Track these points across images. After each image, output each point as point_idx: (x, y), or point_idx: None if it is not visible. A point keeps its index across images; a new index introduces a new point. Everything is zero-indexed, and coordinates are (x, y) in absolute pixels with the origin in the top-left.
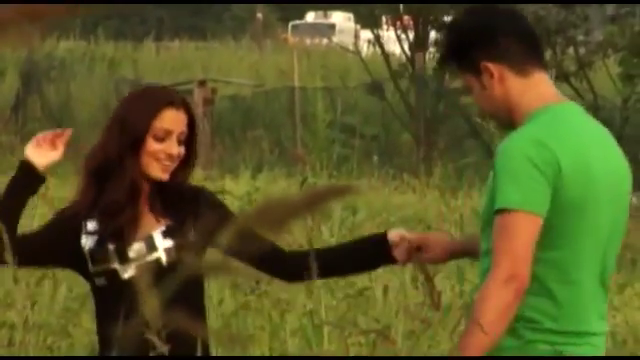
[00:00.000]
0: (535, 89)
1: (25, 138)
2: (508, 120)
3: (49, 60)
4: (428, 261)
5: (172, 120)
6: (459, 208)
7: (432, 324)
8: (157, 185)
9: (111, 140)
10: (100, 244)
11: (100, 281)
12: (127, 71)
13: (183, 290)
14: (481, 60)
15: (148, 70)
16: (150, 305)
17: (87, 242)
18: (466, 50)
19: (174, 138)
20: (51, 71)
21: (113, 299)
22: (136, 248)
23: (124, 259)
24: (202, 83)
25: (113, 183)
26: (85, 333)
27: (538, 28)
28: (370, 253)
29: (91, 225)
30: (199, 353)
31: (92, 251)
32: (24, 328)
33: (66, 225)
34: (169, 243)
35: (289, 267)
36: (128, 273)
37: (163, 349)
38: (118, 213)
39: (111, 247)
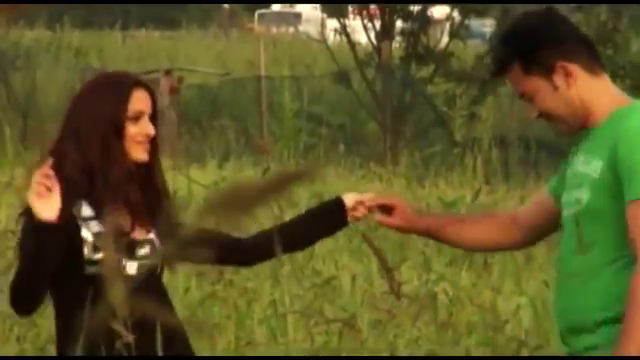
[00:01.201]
0: (609, 88)
1: None
2: (581, 121)
3: (15, 49)
4: (389, 224)
5: (142, 100)
6: (426, 197)
7: (396, 314)
8: (144, 174)
9: (86, 131)
10: (106, 234)
11: (95, 269)
12: (93, 60)
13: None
14: (556, 60)
15: (114, 59)
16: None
17: (87, 228)
18: (538, 51)
19: (146, 118)
20: (17, 60)
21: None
22: (145, 248)
23: (132, 255)
24: (168, 72)
25: (103, 174)
26: (52, 322)
27: (505, 18)
28: (328, 219)
29: (86, 211)
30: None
31: (96, 238)
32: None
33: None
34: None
35: (247, 253)
36: (130, 270)
37: (129, 338)
38: (116, 204)
39: (121, 240)
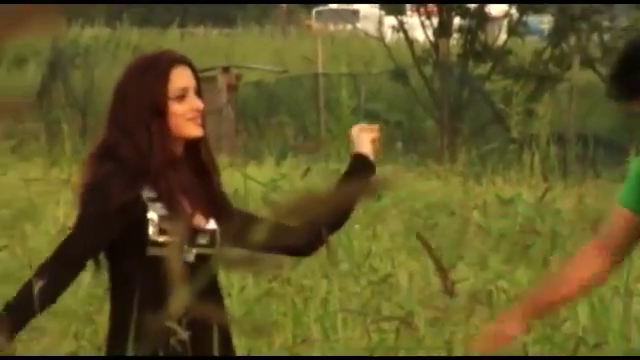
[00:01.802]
0: None
1: (50, 125)
2: None
3: (74, 47)
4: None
5: (183, 76)
6: (482, 194)
7: (453, 311)
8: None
9: (131, 119)
10: (170, 217)
11: (158, 251)
12: None
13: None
14: None
15: None
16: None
17: (154, 209)
18: None
19: (192, 93)
20: (76, 58)
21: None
22: (205, 237)
23: (192, 242)
24: (226, 69)
25: (153, 161)
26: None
27: (562, 15)
28: (353, 174)
29: (150, 193)
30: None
31: (162, 220)
32: (48, 314)
33: (121, 198)
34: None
35: (304, 240)
36: (189, 256)
37: (183, 336)
38: (173, 188)
39: (185, 225)
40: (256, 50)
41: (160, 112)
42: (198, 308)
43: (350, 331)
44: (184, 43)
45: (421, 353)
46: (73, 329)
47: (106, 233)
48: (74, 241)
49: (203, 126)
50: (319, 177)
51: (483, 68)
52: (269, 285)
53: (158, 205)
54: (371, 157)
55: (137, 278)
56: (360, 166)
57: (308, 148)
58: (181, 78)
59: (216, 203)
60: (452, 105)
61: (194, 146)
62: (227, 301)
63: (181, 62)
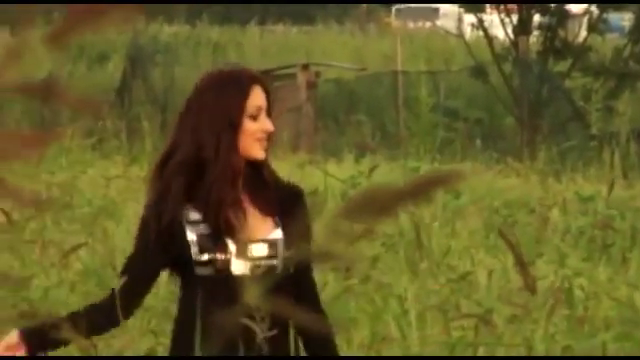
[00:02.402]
0: None
1: (130, 122)
2: None
3: (153, 44)
4: None
5: (259, 96)
6: (562, 192)
7: (532, 309)
8: (253, 170)
9: (203, 127)
10: (213, 234)
11: (204, 270)
12: (231, 55)
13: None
14: None
15: (252, 54)
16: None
17: (194, 230)
18: None
19: (264, 114)
20: (155, 55)
21: (218, 289)
22: (259, 248)
23: (242, 254)
24: (305, 67)
25: (213, 170)
26: None
27: None
28: None
29: (194, 215)
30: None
31: (202, 239)
32: None
33: (162, 219)
34: (288, 254)
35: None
36: (240, 269)
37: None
38: (225, 201)
39: (228, 239)
40: (335, 48)
41: (234, 126)
42: (273, 307)
43: (429, 329)
44: (263, 41)
45: (500, 351)
46: (152, 325)
47: (154, 258)
48: (131, 264)
49: (267, 150)
50: (398, 175)
51: (563, 65)
52: (348, 282)
53: (199, 226)
54: None
55: (191, 296)
56: None
57: (367, 146)
58: (258, 97)
59: (276, 216)
60: (532, 102)
61: (256, 166)
62: None
63: (259, 82)
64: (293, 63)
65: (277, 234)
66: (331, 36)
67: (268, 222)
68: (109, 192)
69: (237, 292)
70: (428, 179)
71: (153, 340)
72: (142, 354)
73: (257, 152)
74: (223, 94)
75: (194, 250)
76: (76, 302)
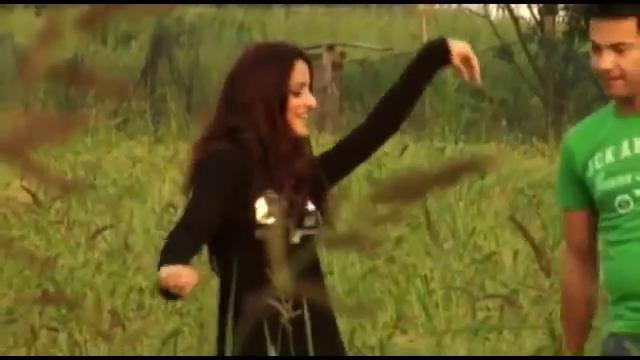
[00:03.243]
0: None
1: (155, 103)
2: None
3: (179, 25)
4: None
5: (303, 72)
6: None
7: (554, 291)
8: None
9: (253, 104)
10: (279, 201)
11: (264, 234)
12: (256, 36)
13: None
14: None
15: (277, 34)
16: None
17: (261, 194)
18: None
19: (307, 89)
20: (180, 36)
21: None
22: (311, 218)
23: (298, 224)
24: (331, 47)
25: (276, 147)
26: (214, 297)
27: None
28: (429, 58)
29: (260, 181)
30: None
31: (269, 204)
32: (153, 292)
33: (238, 176)
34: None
35: (368, 139)
36: (295, 238)
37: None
38: (290, 174)
39: (292, 208)
40: (361, 28)
41: (282, 103)
42: (302, 288)
43: (454, 309)
44: (289, 21)
45: (525, 332)
46: (177, 307)
47: (224, 204)
48: (197, 211)
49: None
50: (423, 156)
51: (589, 45)
52: (373, 263)
53: (268, 190)
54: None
55: (245, 259)
56: (439, 52)
57: None
58: (301, 73)
59: (317, 188)
60: (557, 82)
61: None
62: (331, 279)
63: (303, 57)
64: (318, 44)
65: (312, 206)
66: (357, 16)
67: (311, 195)
68: (134, 172)
69: (290, 260)
70: (457, 164)
71: (178, 321)
72: (166, 335)
73: (299, 127)
74: (269, 70)
75: (261, 212)
76: (101, 282)
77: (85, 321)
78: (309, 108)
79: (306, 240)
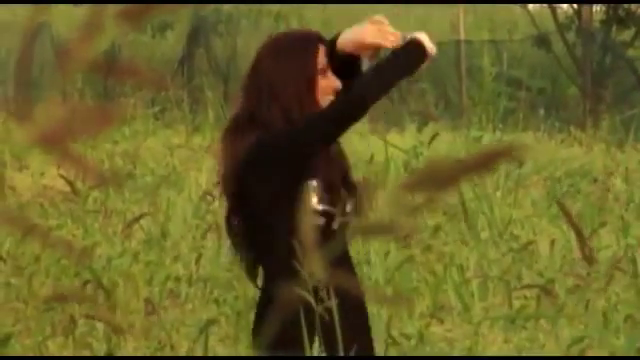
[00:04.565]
0: None
1: (193, 92)
2: None
3: (216, 15)
4: None
5: (324, 54)
6: (625, 161)
7: (595, 279)
8: None
9: (283, 90)
10: (325, 188)
11: (316, 220)
12: (293, 25)
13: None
14: None
15: (314, 24)
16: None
17: (314, 179)
18: None
19: (329, 71)
20: (218, 25)
21: (322, 240)
22: (350, 206)
23: (340, 210)
24: None
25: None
26: (250, 286)
27: None
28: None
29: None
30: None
31: (319, 189)
32: (190, 281)
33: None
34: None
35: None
36: (335, 224)
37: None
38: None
39: (334, 195)
40: (398, 17)
41: (311, 84)
42: (336, 277)
43: (490, 299)
44: (326, 11)
45: (561, 321)
46: (214, 295)
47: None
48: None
49: None
50: (460, 145)
51: (626, 34)
52: (410, 252)
53: (315, 178)
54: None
55: (293, 244)
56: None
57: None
58: (324, 55)
59: (349, 174)
60: (595, 71)
61: None
62: (368, 268)
63: (324, 41)
64: None
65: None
66: (394, 5)
67: (344, 182)
68: (172, 161)
69: (332, 245)
70: (492, 151)
71: (215, 310)
72: (203, 324)
73: None
74: (295, 54)
75: (314, 198)
76: (138, 271)
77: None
78: (336, 89)
79: (343, 227)
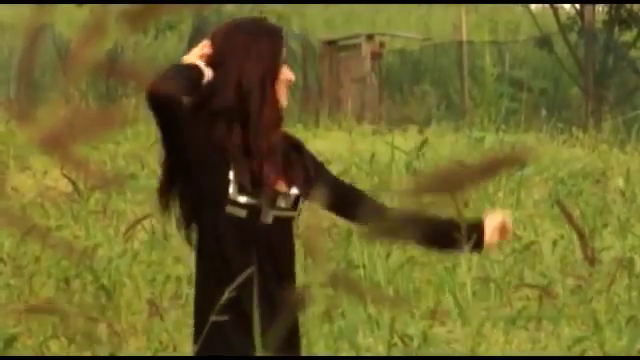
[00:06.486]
0: None
1: None
2: None
3: (217, 15)
4: None
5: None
6: (627, 162)
7: (596, 280)
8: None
9: (247, 76)
10: (251, 179)
11: (237, 211)
12: (295, 26)
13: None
14: None
15: (316, 24)
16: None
17: (234, 170)
18: None
19: (285, 65)
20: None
21: (248, 234)
22: (285, 200)
23: (270, 204)
24: (370, 37)
25: (257, 119)
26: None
27: None
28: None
29: (234, 157)
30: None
31: (242, 180)
32: (190, 282)
33: (213, 146)
34: (303, 205)
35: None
36: (267, 218)
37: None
38: (268, 150)
39: (263, 187)
40: (400, 18)
41: (276, 75)
42: (263, 281)
43: (492, 299)
44: (328, 11)
45: (563, 321)
46: None
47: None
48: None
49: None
50: (462, 146)
51: (629, 35)
52: (411, 253)
53: (240, 168)
54: (488, 243)
55: (217, 235)
56: (472, 232)
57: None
58: (284, 49)
59: (300, 170)
60: (597, 72)
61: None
62: (369, 269)
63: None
64: (358, 34)
65: (295, 190)
66: (396, 6)
67: (292, 177)
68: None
69: (261, 239)
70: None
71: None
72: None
73: (284, 99)
74: (266, 44)
75: (233, 188)
76: (139, 272)
77: (123, 311)
78: (292, 82)
79: (280, 222)
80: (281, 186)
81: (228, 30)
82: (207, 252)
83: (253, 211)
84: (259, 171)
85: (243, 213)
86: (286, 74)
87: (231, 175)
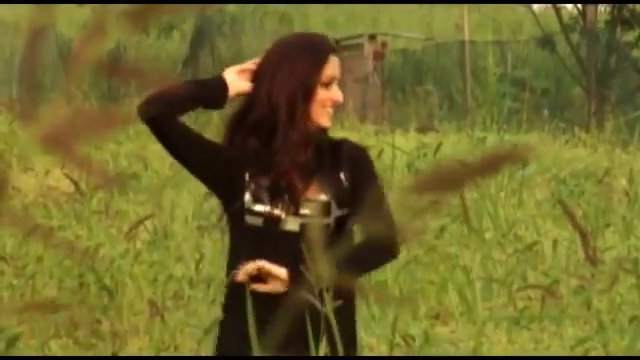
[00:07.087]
0: None
1: None
2: None
3: (220, 15)
4: None
5: (335, 66)
6: (629, 161)
7: (599, 280)
8: (318, 136)
9: (279, 91)
10: (271, 189)
11: (254, 220)
12: (297, 26)
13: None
14: None
15: (318, 24)
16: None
17: (253, 180)
18: None
19: (336, 84)
20: (222, 26)
21: (266, 243)
22: (311, 207)
23: (294, 212)
24: (372, 37)
25: (285, 134)
26: None
27: None
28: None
29: (258, 168)
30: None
31: (258, 190)
32: (193, 282)
33: (230, 158)
34: (340, 212)
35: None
36: (290, 226)
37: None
38: (293, 165)
39: (285, 195)
40: (402, 18)
41: (309, 94)
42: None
43: (494, 299)
44: (330, 11)
45: (565, 322)
46: (218, 296)
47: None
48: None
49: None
50: (464, 145)
51: (631, 35)
52: (415, 252)
53: (260, 178)
54: None
55: (240, 245)
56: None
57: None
58: (333, 67)
59: (334, 178)
60: (599, 72)
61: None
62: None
63: (335, 51)
64: (360, 33)
65: (325, 196)
66: (398, 6)
67: (322, 184)
68: (176, 162)
69: (283, 247)
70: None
71: (219, 310)
72: (207, 325)
73: (325, 120)
74: (302, 61)
75: (248, 198)
76: (141, 272)
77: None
78: (336, 102)
79: (309, 229)
80: (311, 192)
81: (274, 44)
82: (233, 261)
83: (270, 219)
84: (279, 180)
85: (259, 221)
86: (328, 94)
87: (247, 184)
